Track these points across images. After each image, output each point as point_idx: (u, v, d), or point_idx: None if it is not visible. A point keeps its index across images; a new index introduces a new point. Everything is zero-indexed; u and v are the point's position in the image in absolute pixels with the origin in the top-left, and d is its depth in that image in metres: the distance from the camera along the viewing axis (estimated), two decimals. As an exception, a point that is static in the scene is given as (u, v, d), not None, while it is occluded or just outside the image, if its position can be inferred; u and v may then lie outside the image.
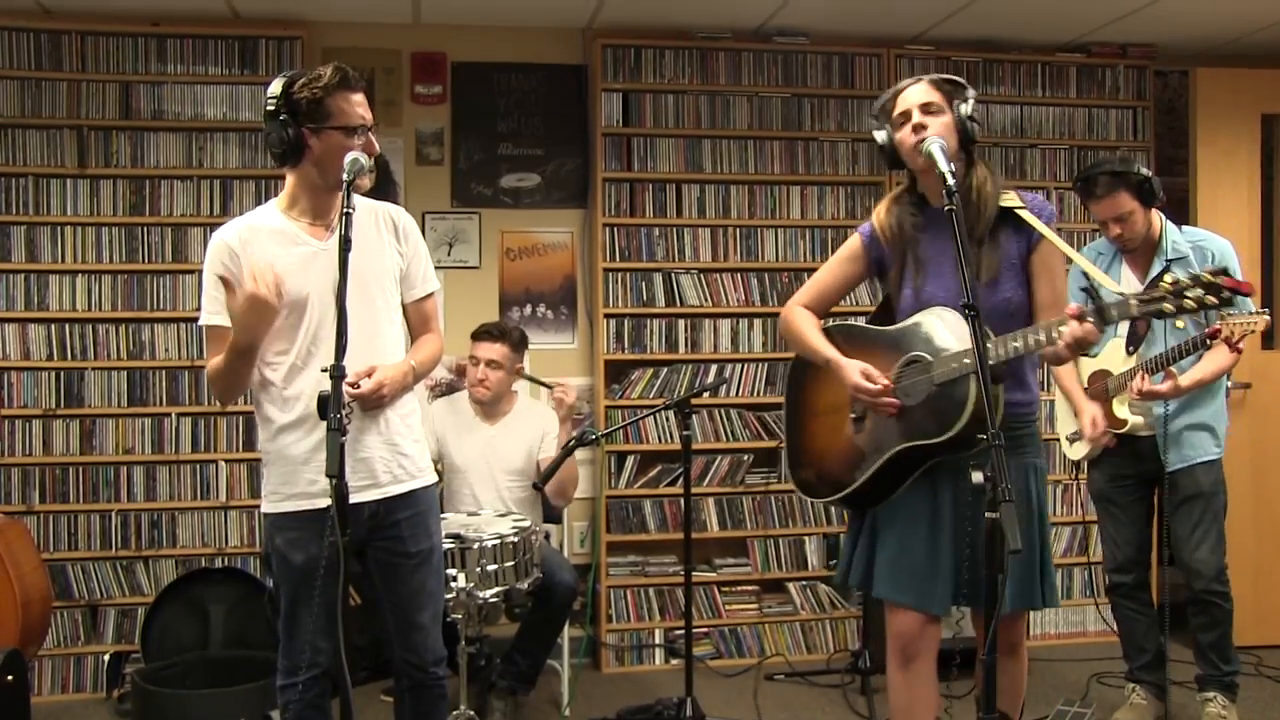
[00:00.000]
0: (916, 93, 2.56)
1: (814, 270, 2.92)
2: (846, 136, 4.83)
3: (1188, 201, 4.75)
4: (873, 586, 2.63)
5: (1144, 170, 3.44)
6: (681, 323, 4.72)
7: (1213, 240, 3.55)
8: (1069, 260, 2.67)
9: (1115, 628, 3.87)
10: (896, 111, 2.58)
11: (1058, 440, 3.91)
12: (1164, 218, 3.55)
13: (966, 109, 2.53)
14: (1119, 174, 3.41)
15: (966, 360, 2.38)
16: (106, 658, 4.28)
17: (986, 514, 2.02)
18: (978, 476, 2.06)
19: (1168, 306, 2.18)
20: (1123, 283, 3.60)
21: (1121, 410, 3.59)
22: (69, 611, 4.29)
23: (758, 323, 4.75)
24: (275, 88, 2.52)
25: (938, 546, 2.53)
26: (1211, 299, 2.14)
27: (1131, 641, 3.80)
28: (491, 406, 4.08)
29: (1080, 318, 2.29)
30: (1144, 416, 3.57)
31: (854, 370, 2.59)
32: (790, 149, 4.80)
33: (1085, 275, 2.27)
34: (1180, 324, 3.28)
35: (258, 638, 4.07)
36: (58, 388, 4.33)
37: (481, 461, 4.03)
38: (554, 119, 4.83)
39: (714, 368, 4.73)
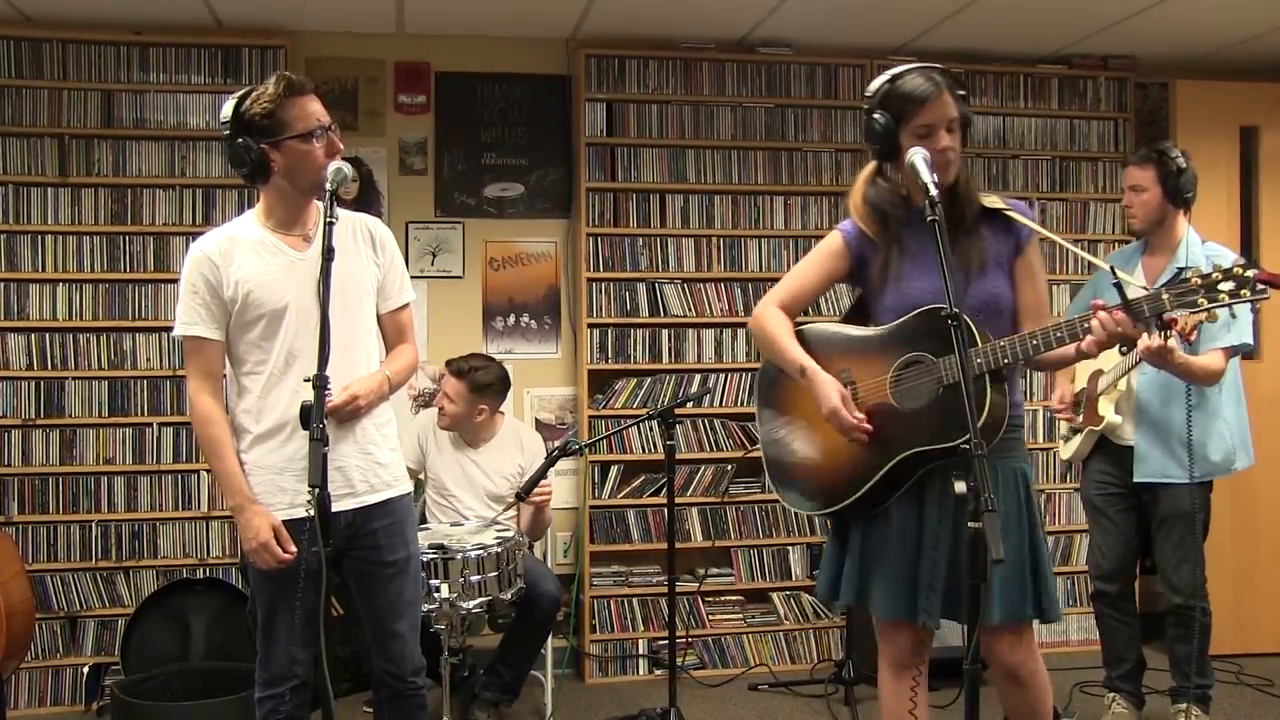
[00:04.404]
0: (945, 107, 2.43)
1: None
2: (830, 147, 4.84)
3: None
4: (869, 606, 2.55)
5: (1183, 163, 3.51)
6: (665, 333, 4.72)
7: (1228, 255, 3.53)
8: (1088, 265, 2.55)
9: (1098, 634, 3.90)
10: (918, 121, 2.42)
11: (1039, 449, 3.92)
12: (1190, 228, 3.57)
13: (967, 112, 2.48)
14: (1160, 152, 3.56)
15: (979, 360, 2.31)
16: (86, 669, 4.24)
17: (969, 524, 1.94)
18: (960, 486, 1.96)
19: (1201, 300, 2.10)
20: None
21: (1105, 408, 3.63)
22: (48, 623, 4.24)
23: (741, 333, 4.75)
24: (226, 110, 2.51)
25: (931, 560, 2.45)
26: (1245, 292, 2.07)
27: (1113, 650, 3.84)
28: (469, 435, 4.07)
29: (1105, 310, 2.21)
30: (1124, 417, 3.60)
31: (832, 391, 2.48)
32: (774, 159, 4.81)
33: (1113, 271, 2.20)
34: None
35: (239, 649, 4.04)
36: (38, 397, 4.30)
37: (463, 479, 4.05)
38: (538, 129, 4.83)
39: (698, 378, 4.73)
